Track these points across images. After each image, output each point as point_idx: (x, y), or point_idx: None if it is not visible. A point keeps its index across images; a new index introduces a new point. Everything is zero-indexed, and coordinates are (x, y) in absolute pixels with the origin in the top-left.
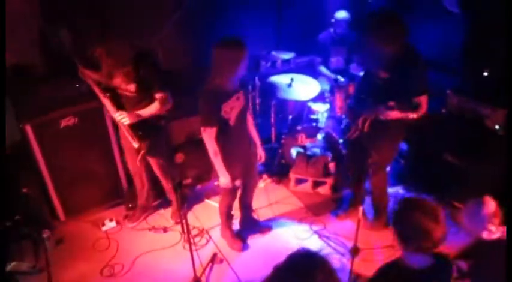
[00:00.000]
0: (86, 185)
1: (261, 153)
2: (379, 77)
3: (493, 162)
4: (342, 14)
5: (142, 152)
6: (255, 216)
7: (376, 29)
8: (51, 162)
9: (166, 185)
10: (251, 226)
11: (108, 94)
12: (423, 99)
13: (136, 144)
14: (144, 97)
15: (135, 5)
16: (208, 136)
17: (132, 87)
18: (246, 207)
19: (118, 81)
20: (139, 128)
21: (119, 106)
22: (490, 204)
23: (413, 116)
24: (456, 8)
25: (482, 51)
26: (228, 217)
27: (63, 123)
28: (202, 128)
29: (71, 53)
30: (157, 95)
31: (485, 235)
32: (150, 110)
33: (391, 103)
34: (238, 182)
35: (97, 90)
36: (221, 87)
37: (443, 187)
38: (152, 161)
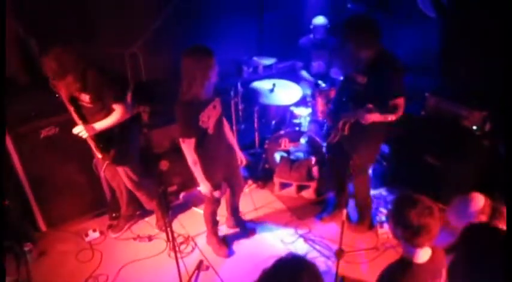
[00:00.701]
0: (68, 196)
1: (241, 157)
2: (357, 82)
3: (472, 162)
4: (319, 20)
5: (106, 162)
6: (242, 217)
7: (352, 34)
8: (31, 173)
9: (141, 196)
10: (237, 225)
11: (73, 107)
12: (400, 102)
13: (99, 155)
14: (102, 107)
15: (116, 13)
16: (187, 146)
17: (86, 97)
18: (234, 210)
19: (62, 90)
20: (102, 139)
21: (83, 117)
22: (478, 201)
23: (392, 117)
24: (432, 13)
25: (459, 54)
26: (213, 224)
27: (44, 133)
28: (180, 139)
29: (40, 64)
30: (114, 106)
31: None
32: (108, 121)
33: (370, 105)
34: (217, 194)
35: (66, 102)
36: (196, 97)
37: (424, 188)
38: (120, 171)
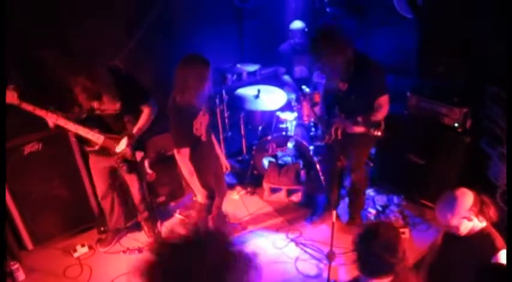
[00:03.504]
0: (54, 212)
1: (225, 164)
2: (339, 90)
3: (454, 159)
4: (297, 25)
5: (139, 161)
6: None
7: (321, 46)
8: (15, 190)
9: (139, 204)
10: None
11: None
12: (384, 100)
13: (134, 158)
14: (128, 111)
15: (95, 26)
16: (182, 157)
17: (117, 105)
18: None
19: (103, 104)
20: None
21: (103, 127)
22: (467, 196)
23: (377, 133)
24: (409, 14)
25: (436, 52)
26: None
27: (27, 149)
28: (176, 150)
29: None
30: (143, 107)
31: (462, 228)
32: (142, 123)
33: (359, 118)
34: (209, 202)
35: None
36: (190, 105)
37: (410, 186)
38: (131, 178)
